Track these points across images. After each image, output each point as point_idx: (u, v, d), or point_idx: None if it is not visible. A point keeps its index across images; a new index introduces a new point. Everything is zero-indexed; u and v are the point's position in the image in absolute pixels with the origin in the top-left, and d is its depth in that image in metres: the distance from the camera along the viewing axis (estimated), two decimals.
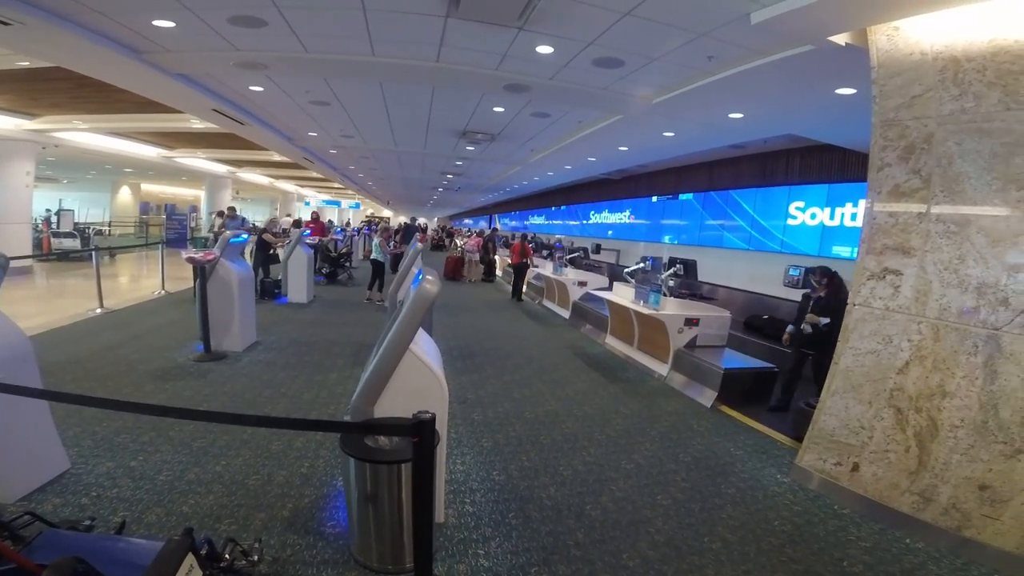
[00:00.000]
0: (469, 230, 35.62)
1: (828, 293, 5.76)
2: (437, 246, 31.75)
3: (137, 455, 3.99)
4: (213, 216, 18.93)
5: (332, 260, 15.56)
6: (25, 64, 8.05)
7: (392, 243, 13.80)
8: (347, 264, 16.88)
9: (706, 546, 3.37)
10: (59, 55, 6.75)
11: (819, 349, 5.66)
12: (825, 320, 5.59)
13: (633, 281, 8.45)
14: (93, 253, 10.05)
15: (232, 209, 13.32)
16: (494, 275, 19.21)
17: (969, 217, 3.49)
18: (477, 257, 18.86)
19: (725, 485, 4.23)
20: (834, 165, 9.37)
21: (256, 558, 2.59)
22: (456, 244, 23.49)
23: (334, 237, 17.32)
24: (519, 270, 14.52)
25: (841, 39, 4.37)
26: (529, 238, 20.06)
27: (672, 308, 7.24)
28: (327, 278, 15.17)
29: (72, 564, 1.53)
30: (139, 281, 13.60)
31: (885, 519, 3.73)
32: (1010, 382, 3.26)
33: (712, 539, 3.45)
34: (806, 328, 5.71)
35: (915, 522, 3.60)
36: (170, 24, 5.58)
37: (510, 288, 15.13)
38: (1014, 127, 3.29)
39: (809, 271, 6.16)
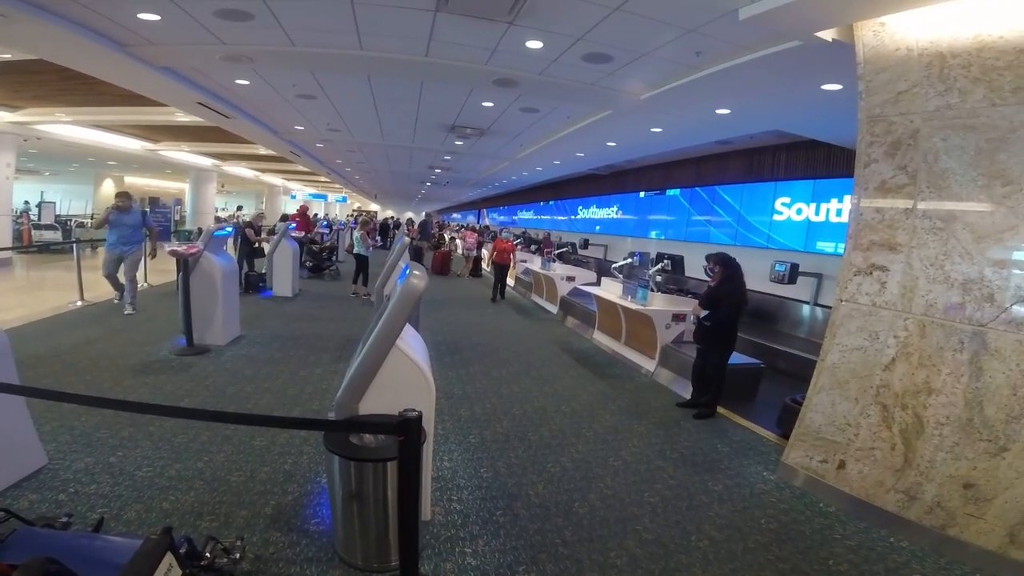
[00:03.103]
0: (459, 225, 35.25)
1: (718, 282, 5.44)
2: (434, 246, 28.86)
3: (116, 450, 3.92)
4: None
5: (314, 255, 15.25)
6: (7, 57, 7.89)
7: (375, 237, 13.64)
8: (333, 259, 16.37)
9: (693, 544, 3.36)
10: (42, 48, 6.62)
11: (703, 343, 5.54)
12: (704, 312, 5.37)
13: (621, 276, 8.45)
14: (74, 245, 9.88)
15: (123, 195, 8.43)
16: (481, 270, 19.17)
17: (955, 213, 3.50)
18: (475, 254, 18.82)
19: (712, 482, 4.23)
20: (820, 161, 9.39)
21: (238, 556, 2.55)
22: (445, 239, 23.31)
23: (319, 231, 17.14)
24: (501, 268, 14.12)
25: (828, 35, 4.36)
26: (517, 234, 19.97)
27: (659, 303, 7.24)
28: (311, 272, 14.99)
29: (43, 564, 1.48)
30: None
31: (870, 517, 3.75)
32: (995, 379, 3.27)
33: (699, 537, 3.45)
34: (691, 319, 5.45)
35: (900, 520, 3.61)
36: (155, 17, 5.51)
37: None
38: (999, 123, 3.30)
39: (707, 257, 5.74)
